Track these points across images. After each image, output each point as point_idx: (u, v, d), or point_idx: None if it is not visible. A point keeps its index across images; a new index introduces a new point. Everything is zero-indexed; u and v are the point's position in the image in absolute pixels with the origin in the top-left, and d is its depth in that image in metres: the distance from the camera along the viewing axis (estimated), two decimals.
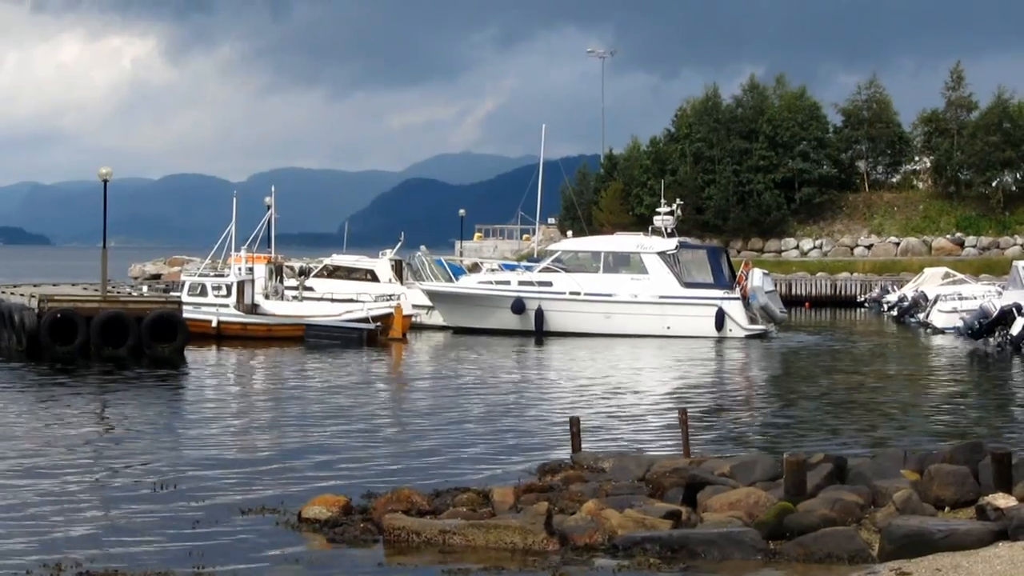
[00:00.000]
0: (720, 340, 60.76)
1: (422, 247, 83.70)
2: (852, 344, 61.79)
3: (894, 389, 40.87)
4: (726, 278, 64.19)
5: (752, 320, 63.34)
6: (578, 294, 63.62)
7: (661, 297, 63.11)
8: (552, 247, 73.10)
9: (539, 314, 63.21)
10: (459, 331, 63.61)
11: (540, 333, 62.35)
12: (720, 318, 62.30)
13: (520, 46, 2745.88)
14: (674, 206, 71.98)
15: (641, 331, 61.69)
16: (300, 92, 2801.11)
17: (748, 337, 61.67)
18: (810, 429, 30.72)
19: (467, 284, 66.63)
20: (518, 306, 63.45)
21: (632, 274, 64.14)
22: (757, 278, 64.73)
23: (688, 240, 71.84)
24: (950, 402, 37.00)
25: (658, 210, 71.14)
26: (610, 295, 63.47)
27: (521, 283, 65.11)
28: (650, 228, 70.32)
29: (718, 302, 62.70)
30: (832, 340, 64.28)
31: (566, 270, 64.96)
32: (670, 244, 65.30)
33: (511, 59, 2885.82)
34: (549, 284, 64.27)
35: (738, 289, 63.79)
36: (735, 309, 62.82)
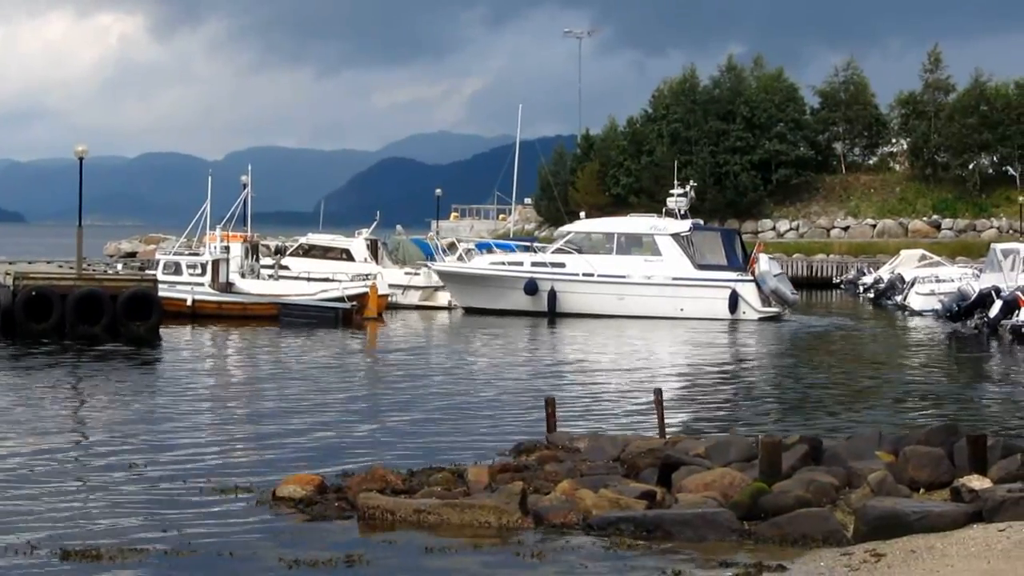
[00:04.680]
0: (733, 322, 60.69)
1: (398, 227, 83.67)
2: (858, 328, 61.83)
3: (876, 371, 40.98)
4: (739, 260, 64.14)
5: (765, 302, 63.31)
6: (591, 275, 63.49)
7: (675, 279, 62.93)
8: (564, 228, 72.75)
9: (552, 295, 63.02)
10: (471, 311, 63.56)
11: (553, 314, 62.15)
12: (734, 300, 62.25)
13: (508, 25, 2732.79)
14: (687, 188, 71.76)
15: (654, 313, 61.50)
16: (287, 70, 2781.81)
17: (761, 319, 61.62)
18: (789, 410, 30.82)
19: (479, 264, 66.51)
20: (531, 287, 63.28)
21: (645, 256, 64.01)
22: (764, 263, 64.61)
23: (701, 222, 71.72)
24: (926, 384, 37.10)
25: (671, 192, 70.87)
26: (623, 276, 63.33)
27: (534, 264, 65.01)
28: (663, 210, 70.13)
29: (732, 284, 62.62)
30: (841, 323, 64.45)
31: (579, 251, 64.92)
32: (684, 226, 65.13)
33: (499, 38, 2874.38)
34: (562, 265, 64.16)
35: (750, 272, 63.70)
36: (749, 291, 62.73)
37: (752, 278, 63.18)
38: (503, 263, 66.18)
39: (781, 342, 52.70)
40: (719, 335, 54.88)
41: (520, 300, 63.29)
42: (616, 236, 65.06)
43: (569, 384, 35.58)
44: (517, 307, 62.87)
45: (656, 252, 63.82)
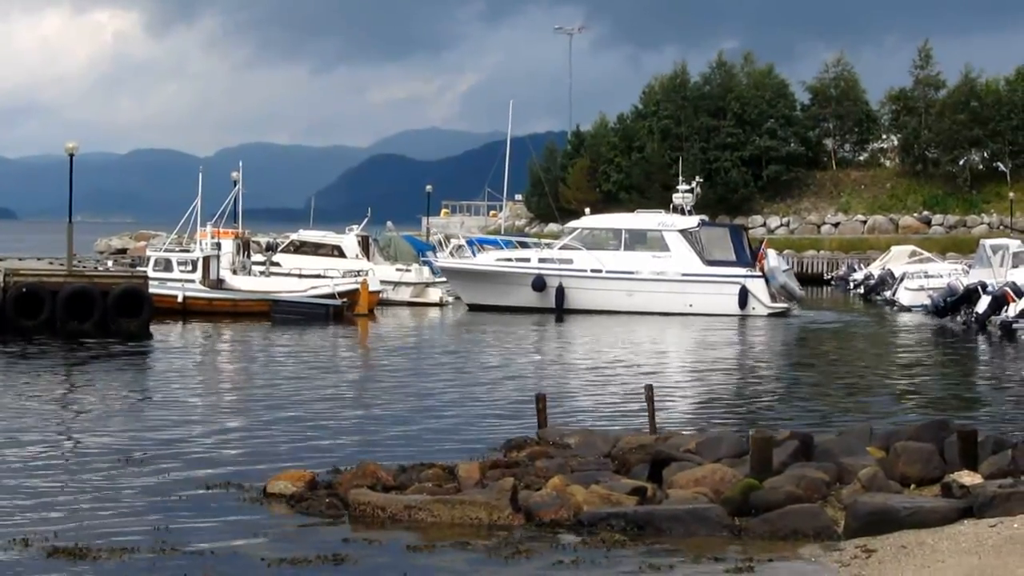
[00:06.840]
0: (743, 318, 60.65)
1: (388, 223, 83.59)
2: (860, 324, 61.85)
3: (868, 367, 40.95)
4: (748, 256, 64.03)
5: (774, 298, 63.24)
6: (599, 271, 63.44)
7: (684, 275, 62.82)
8: (572, 224, 72.56)
9: (560, 291, 62.89)
10: (476, 308, 63.45)
11: (560, 310, 62.04)
12: (743, 296, 62.16)
13: (504, 21, 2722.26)
14: (693, 184, 71.68)
15: (663, 309, 61.35)
16: (283, 66, 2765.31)
17: (770, 315, 61.56)
18: (781, 405, 30.80)
19: (486, 261, 66.39)
20: (538, 283, 63.12)
21: (654, 252, 63.91)
22: (772, 258, 64.65)
23: (707, 218, 71.69)
24: (916, 380, 37.12)
25: (678, 188, 70.86)
26: (632, 272, 63.24)
27: (541, 260, 64.92)
28: (671, 206, 70.11)
29: (741, 280, 62.55)
30: (852, 319, 64.58)
31: (586, 247, 64.83)
32: (692, 222, 65.15)
33: (494, 34, 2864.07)
34: (570, 261, 64.07)
35: (758, 268, 63.65)
36: (758, 287, 62.65)
37: (761, 274, 63.11)
38: (510, 259, 66.09)
39: (789, 338, 52.66)
40: (728, 331, 54.73)
41: (528, 296, 63.14)
42: (623, 232, 65.00)
43: (569, 380, 35.58)
44: (524, 303, 62.73)
45: (664, 248, 63.71)
